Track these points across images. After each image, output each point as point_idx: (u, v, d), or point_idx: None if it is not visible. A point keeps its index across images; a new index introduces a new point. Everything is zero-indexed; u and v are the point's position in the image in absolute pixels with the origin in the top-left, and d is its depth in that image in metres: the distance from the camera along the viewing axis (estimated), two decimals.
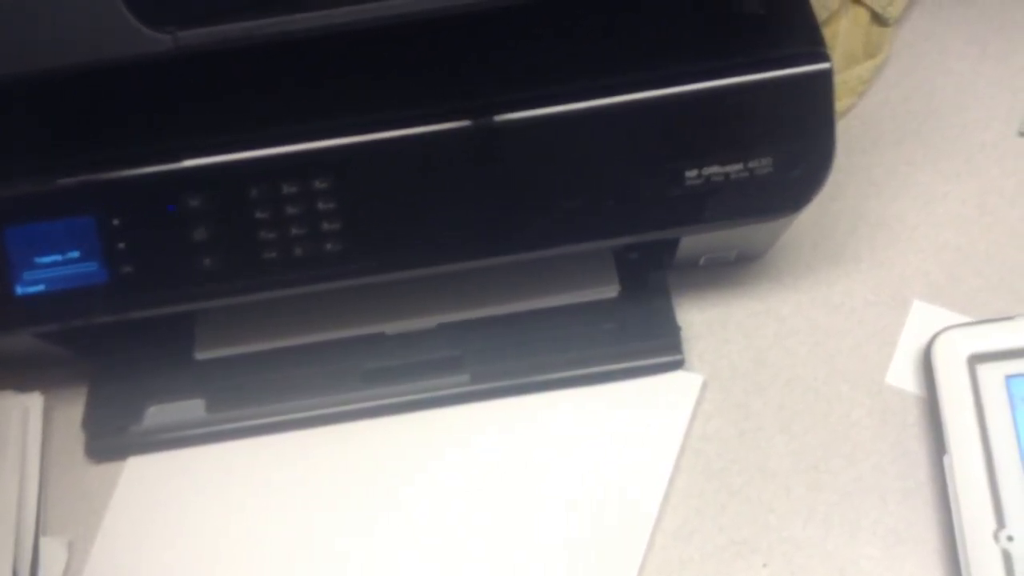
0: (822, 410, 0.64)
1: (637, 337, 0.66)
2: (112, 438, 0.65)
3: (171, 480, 0.64)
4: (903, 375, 0.65)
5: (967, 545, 0.57)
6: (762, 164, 0.56)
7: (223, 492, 0.64)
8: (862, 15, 0.74)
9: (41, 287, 0.56)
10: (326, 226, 0.56)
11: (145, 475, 0.65)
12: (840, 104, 0.71)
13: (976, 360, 0.61)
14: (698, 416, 0.65)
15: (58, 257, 0.55)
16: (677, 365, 0.65)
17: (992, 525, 0.57)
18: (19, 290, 0.55)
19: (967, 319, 0.65)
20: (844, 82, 0.72)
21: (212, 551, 0.62)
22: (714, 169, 0.56)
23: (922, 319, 0.66)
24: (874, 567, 0.59)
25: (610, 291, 0.67)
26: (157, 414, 0.66)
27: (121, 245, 0.55)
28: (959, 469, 0.59)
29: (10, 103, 0.55)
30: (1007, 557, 0.56)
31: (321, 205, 0.55)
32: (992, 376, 0.60)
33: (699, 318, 0.68)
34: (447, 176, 0.55)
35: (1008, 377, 0.60)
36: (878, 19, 0.74)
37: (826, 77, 0.54)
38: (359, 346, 0.67)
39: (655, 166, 0.55)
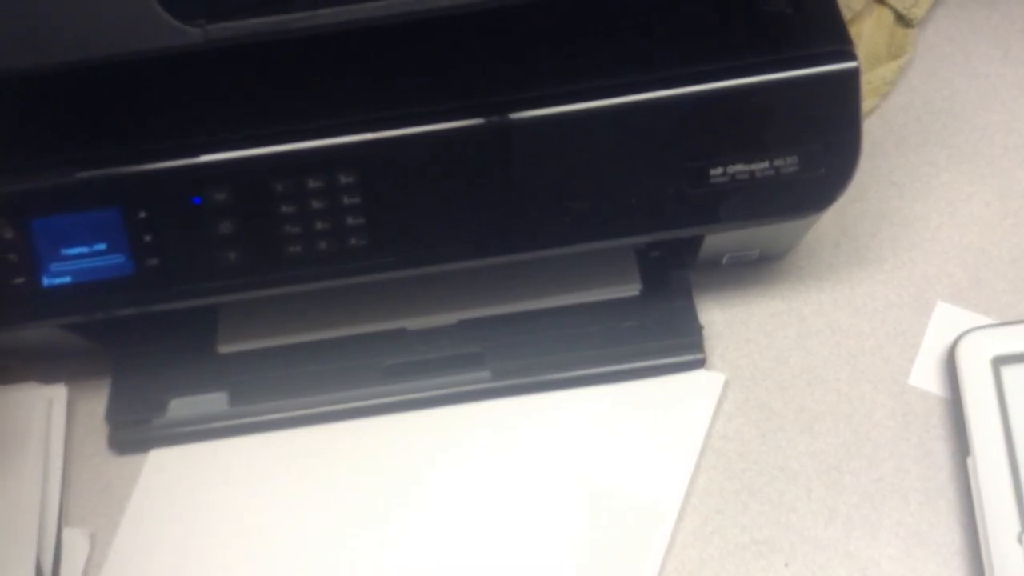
0: (844, 411, 0.64)
1: (658, 336, 0.66)
2: (135, 430, 0.66)
3: (193, 473, 0.65)
4: (926, 376, 0.64)
5: (990, 547, 0.57)
6: (788, 163, 0.56)
7: (245, 485, 0.64)
8: (886, 16, 0.74)
9: (68, 279, 0.56)
10: (350, 221, 0.56)
11: (167, 467, 0.65)
12: (864, 105, 0.71)
13: (1000, 362, 0.61)
14: (719, 416, 0.65)
15: (84, 249, 0.56)
16: (699, 364, 0.65)
17: (1016, 527, 0.57)
18: (46, 281, 0.56)
19: (991, 320, 0.65)
20: (868, 83, 0.71)
21: (233, 544, 0.63)
22: (739, 168, 0.56)
23: (946, 320, 0.66)
24: (896, 568, 0.59)
25: (632, 289, 0.67)
26: (180, 407, 0.66)
27: (147, 238, 0.55)
28: (983, 471, 0.58)
29: (40, 95, 0.55)
30: None
31: (346, 200, 0.55)
32: (1017, 378, 0.60)
33: (721, 317, 0.68)
34: (474, 172, 0.55)
35: None
36: (902, 20, 0.74)
37: (853, 76, 0.54)
38: (380, 342, 0.67)
39: (681, 164, 0.55)
